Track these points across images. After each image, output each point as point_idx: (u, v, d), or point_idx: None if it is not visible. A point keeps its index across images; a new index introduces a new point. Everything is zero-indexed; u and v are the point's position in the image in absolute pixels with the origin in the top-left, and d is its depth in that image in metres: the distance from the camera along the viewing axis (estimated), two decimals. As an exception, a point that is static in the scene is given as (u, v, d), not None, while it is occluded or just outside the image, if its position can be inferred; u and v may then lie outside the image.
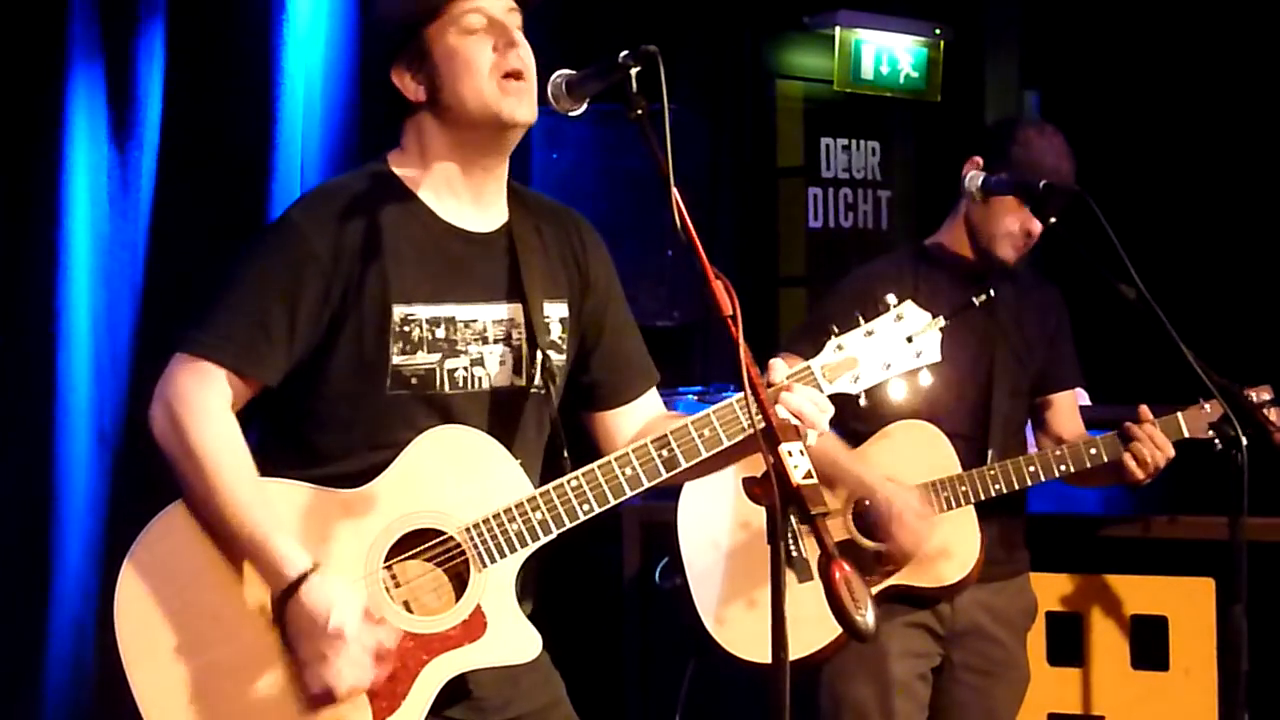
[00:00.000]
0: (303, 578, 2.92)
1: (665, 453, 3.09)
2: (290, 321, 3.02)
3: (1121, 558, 4.79)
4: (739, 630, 4.12)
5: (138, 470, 4.89)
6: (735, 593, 4.13)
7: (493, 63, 3.05)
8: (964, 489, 4.15)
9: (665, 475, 3.11)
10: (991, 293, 3.87)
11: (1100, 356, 4.48)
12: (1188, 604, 4.68)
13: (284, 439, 3.10)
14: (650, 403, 3.41)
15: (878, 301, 4.03)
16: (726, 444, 3.10)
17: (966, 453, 4.19)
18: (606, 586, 5.26)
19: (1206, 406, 4.18)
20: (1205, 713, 4.57)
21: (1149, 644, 4.73)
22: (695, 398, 5.75)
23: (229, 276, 3.07)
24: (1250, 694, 3.98)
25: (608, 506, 3.09)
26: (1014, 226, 4.18)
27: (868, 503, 4.11)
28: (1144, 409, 4.20)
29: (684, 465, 3.10)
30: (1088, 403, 5.44)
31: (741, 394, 2.77)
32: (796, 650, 3.79)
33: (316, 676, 2.93)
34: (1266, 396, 4.25)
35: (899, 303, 3.21)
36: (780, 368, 3.09)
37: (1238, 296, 7.78)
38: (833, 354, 3.17)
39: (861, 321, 3.19)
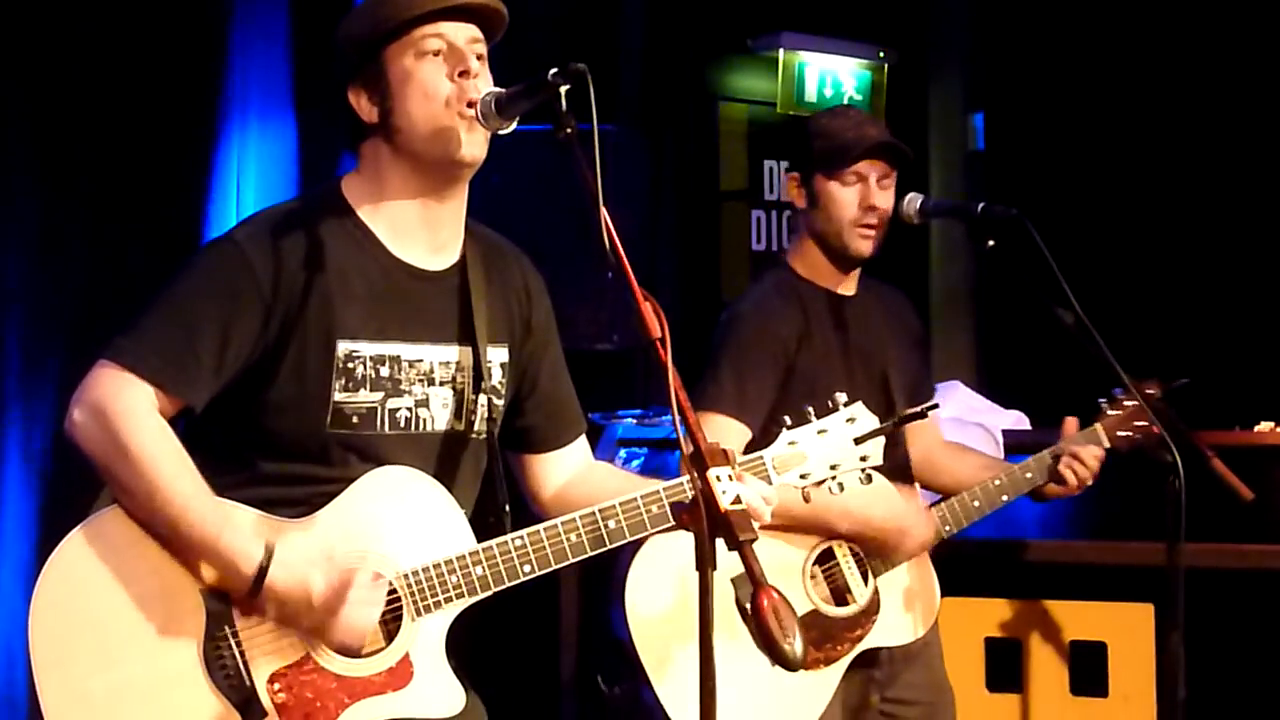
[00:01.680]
0: (263, 571, 2.87)
1: (612, 523, 3.07)
2: (221, 346, 2.95)
3: (1061, 583, 4.78)
4: None
5: (68, 491, 4.83)
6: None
7: (445, 90, 3.01)
8: None
9: (609, 545, 3.09)
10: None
11: (1041, 379, 4.46)
12: (1127, 630, 4.67)
13: (225, 457, 3.02)
14: (579, 450, 3.40)
15: (785, 345, 4.01)
16: (673, 522, 3.06)
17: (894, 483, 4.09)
18: (543, 632, 5.21)
19: (1110, 411, 4.16)
20: (1144, 740, 4.56)
21: (1088, 670, 4.72)
22: (635, 420, 5.71)
23: (165, 290, 3.00)
24: (1188, 721, 3.97)
25: (548, 570, 3.06)
26: (852, 211, 4.09)
27: (851, 547, 4.02)
28: (1071, 422, 4.19)
29: (629, 538, 3.09)
30: (1027, 426, 5.43)
31: (692, 476, 2.73)
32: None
33: (333, 639, 2.92)
34: (1152, 391, 4.22)
35: (850, 403, 3.24)
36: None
37: (1183, 319, 7.81)
38: (784, 448, 3.20)
39: (813, 419, 3.21)
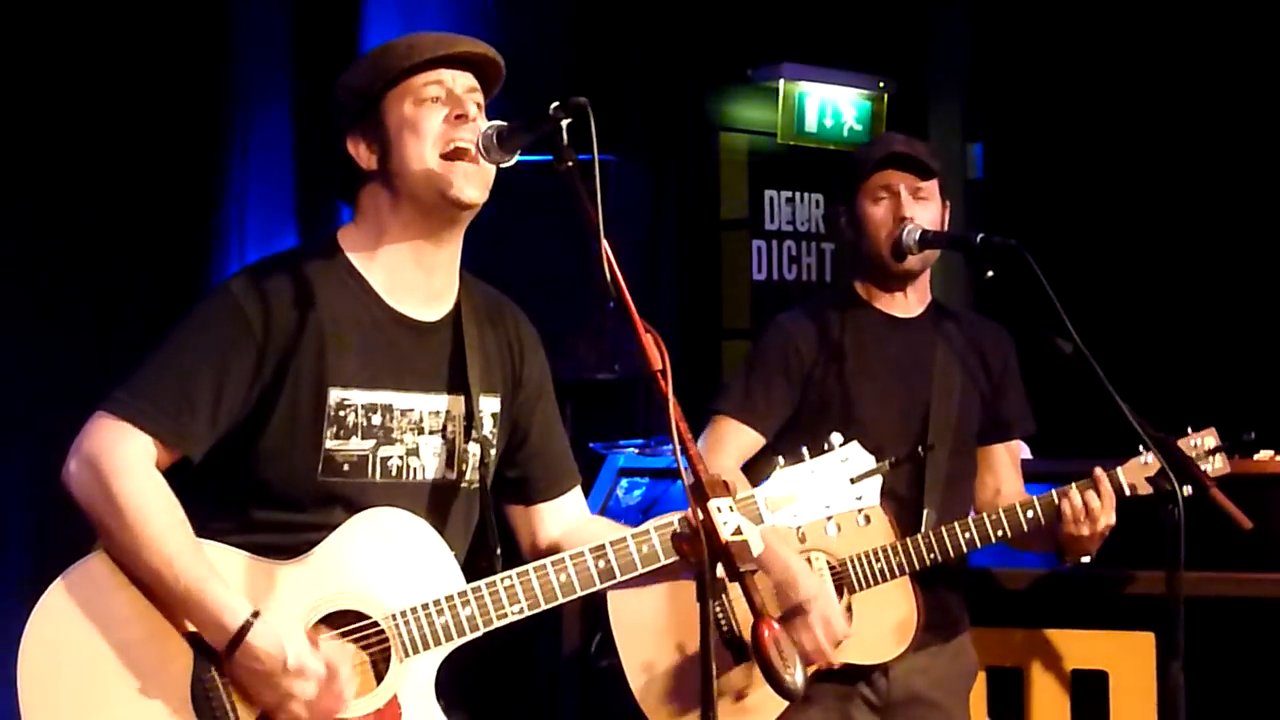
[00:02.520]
0: (247, 626, 2.88)
1: (602, 563, 3.10)
2: (216, 397, 2.98)
3: (1062, 612, 4.77)
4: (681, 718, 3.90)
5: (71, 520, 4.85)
6: (676, 676, 3.90)
7: (440, 133, 3.04)
8: (897, 560, 4.02)
9: (599, 585, 3.11)
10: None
11: (1039, 409, 4.46)
12: (1128, 659, 4.66)
13: (218, 505, 3.04)
14: (574, 501, 3.42)
15: (801, 354, 4.06)
16: (664, 561, 3.11)
17: (900, 514, 4.08)
18: (544, 660, 5.19)
19: (1147, 459, 4.09)
20: (1146, 768, 4.55)
21: (1090, 699, 4.71)
22: (636, 450, 5.72)
23: (162, 342, 3.03)
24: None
25: (538, 610, 3.08)
26: (886, 227, 4.13)
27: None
28: (1098, 472, 4.08)
29: (619, 577, 3.11)
30: (1028, 456, 5.43)
31: (681, 515, 2.76)
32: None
33: (291, 716, 2.91)
34: (1211, 441, 4.21)
35: (845, 442, 3.26)
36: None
37: (1181, 349, 7.82)
38: (777, 487, 3.22)
39: (807, 458, 3.23)
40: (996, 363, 4.34)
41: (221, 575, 2.93)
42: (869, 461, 3.25)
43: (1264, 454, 4.91)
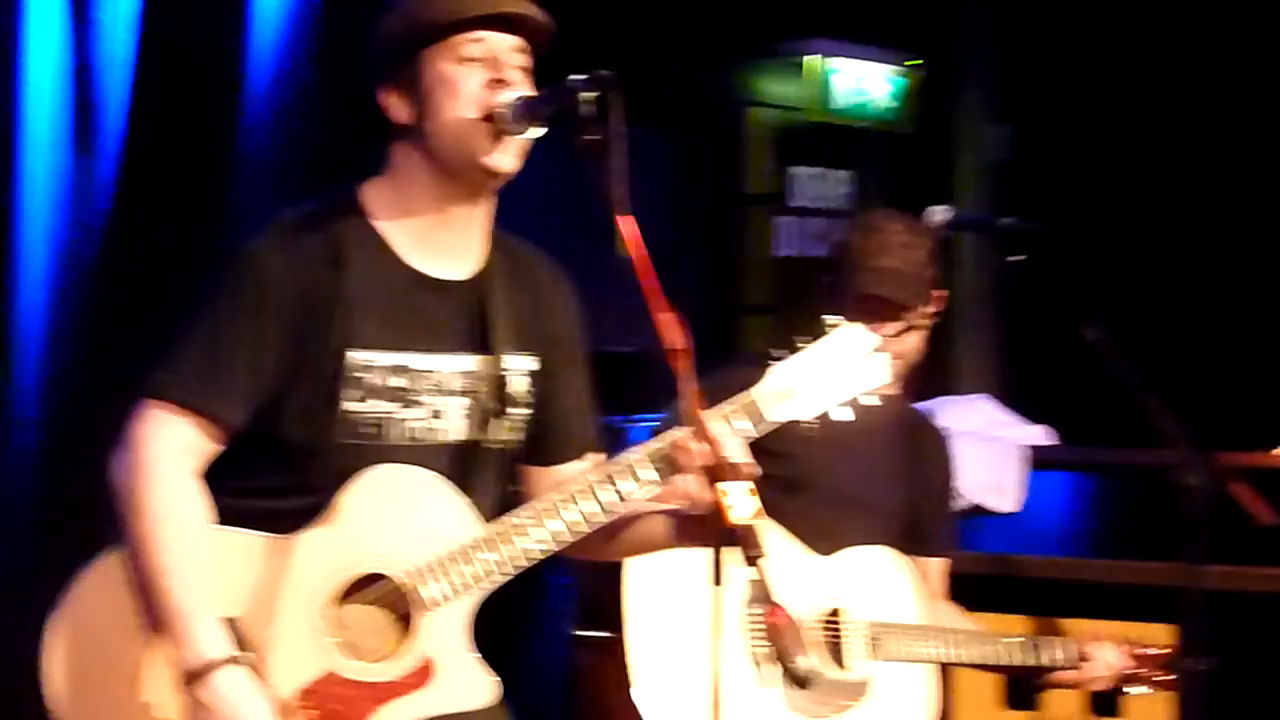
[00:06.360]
0: (215, 664, 2.83)
1: (610, 489, 3.02)
2: (253, 362, 2.95)
3: (1081, 602, 4.73)
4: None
5: (79, 490, 4.82)
6: (679, 666, 3.70)
7: (478, 97, 2.97)
8: None
9: (621, 510, 3.03)
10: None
11: (1066, 396, 4.42)
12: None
13: (232, 468, 2.99)
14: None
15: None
16: (664, 482, 3.01)
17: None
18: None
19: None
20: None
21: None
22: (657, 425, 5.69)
23: (192, 314, 3.00)
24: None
25: (565, 544, 3.02)
26: None
27: None
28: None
29: (636, 499, 3.03)
30: (1056, 441, 5.38)
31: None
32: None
33: None
34: None
35: (840, 324, 3.10)
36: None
37: (1207, 333, 7.78)
38: (775, 382, 3.07)
39: (804, 347, 3.08)
40: None
41: (225, 571, 2.91)
42: (871, 340, 3.07)
43: (1285, 449, 4.89)
